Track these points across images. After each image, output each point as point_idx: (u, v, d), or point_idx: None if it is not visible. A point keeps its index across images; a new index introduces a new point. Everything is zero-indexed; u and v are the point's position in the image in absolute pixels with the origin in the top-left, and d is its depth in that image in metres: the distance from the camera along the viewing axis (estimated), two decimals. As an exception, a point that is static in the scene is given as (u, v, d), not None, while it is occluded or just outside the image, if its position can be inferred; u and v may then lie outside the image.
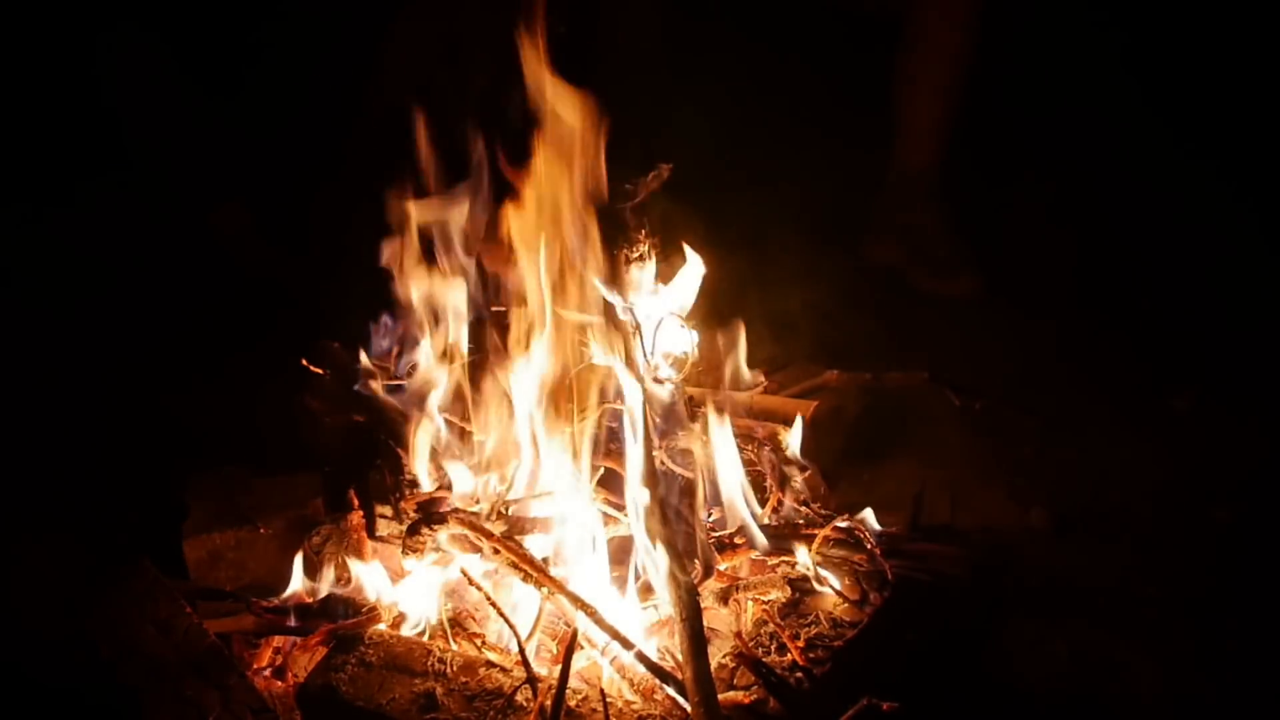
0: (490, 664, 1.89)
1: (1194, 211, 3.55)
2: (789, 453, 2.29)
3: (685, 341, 2.40)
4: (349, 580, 2.12)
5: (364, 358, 2.43)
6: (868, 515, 2.15)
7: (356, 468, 2.41)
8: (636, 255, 2.24)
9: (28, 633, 2.07)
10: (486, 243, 2.20)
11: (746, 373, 2.37)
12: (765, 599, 2.00)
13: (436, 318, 2.34)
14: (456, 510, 2.08)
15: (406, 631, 2.02)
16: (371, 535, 2.26)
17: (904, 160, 3.74)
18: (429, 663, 1.89)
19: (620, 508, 2.05)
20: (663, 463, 2.11)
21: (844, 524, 2.15)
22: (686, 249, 2.32)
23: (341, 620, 2.02)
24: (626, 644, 1.81)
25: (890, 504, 2.42)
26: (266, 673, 2.04)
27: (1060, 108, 3.92)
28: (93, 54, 3.49)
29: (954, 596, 2.09)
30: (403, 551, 2.08)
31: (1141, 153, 3.70)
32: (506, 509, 2.10)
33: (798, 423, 2.32)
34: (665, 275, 2.36)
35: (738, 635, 1.92)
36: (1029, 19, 3.70)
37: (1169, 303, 3.32)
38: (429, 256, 2.28)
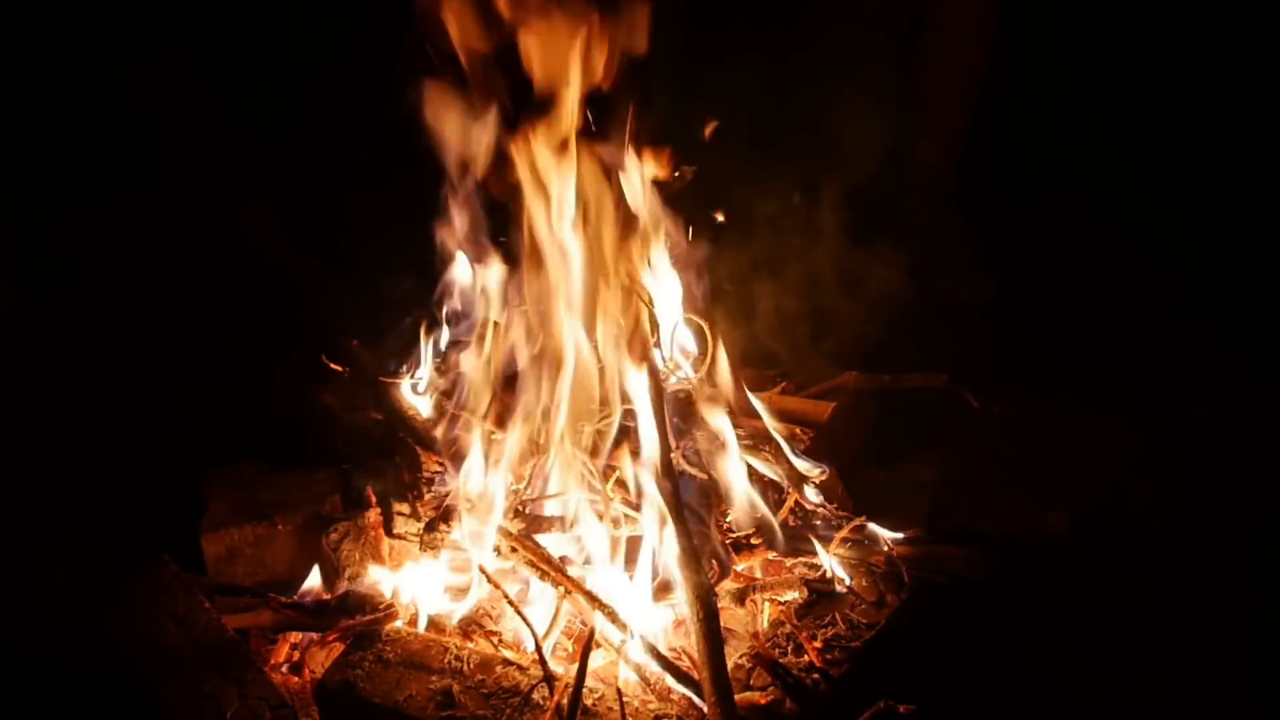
0: (507, 662, 1.89)
1: (1212, 216, 3.53)
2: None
3: (702, 341, 2.41)
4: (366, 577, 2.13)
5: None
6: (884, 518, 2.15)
7: (374, 465, 2.42)
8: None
9: (48, 627, 2.08)
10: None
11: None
12: (782, 600, 2.00)
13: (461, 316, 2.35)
14: (474, 508, 2.09)
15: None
16: (389, 533, 2.26)
17: (923, 162, 3.73)
18: (446, 660, 1.89)
19: (638, 508, 2.05)
20: (680, 463, 2.11)
21: (861, 525, 2.16)
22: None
23: (359, 617, 2.02)
24: (643, 643, 1.82)
25: (908, 506, 2.41)
26: (284, 668, 2.05)
27: (1077, 115, 3.90)
28: (111, 46, 3.50)
29: (971, 599, 2.08)
30: (420, 549, 2.08)
31: (1161, 157, 3.68)
32: (524, 508, 2.10)
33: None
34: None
35: (754, 636, 1.92)
36: (1045, 23, 3.69)
37: (1189, 308, 3.30)
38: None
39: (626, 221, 2.10)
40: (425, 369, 2.47)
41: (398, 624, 2.01)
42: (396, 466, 2.39)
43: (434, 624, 2.03)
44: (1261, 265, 3.34)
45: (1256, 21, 3.75)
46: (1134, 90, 3.80)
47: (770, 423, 2.32)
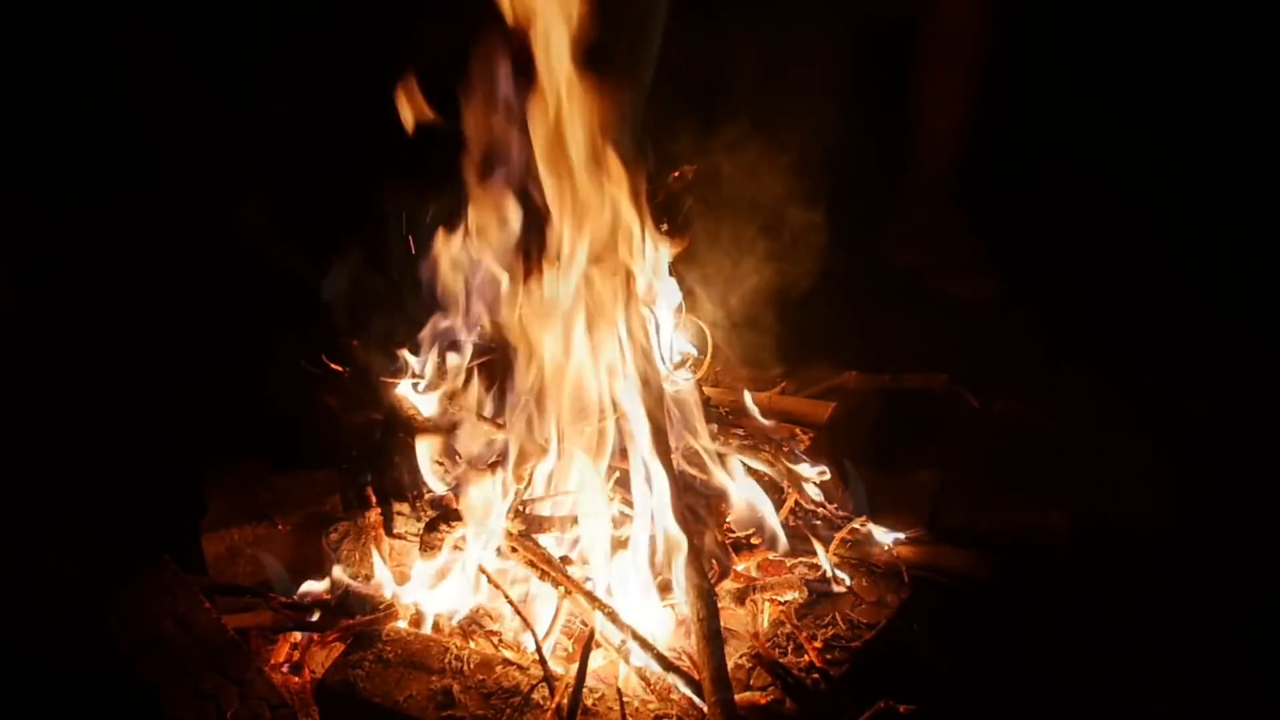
0: (507, 662, 1.89)
1: (1213, 213, 3.53)
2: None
3: (701, 341, 2.41)
4: (367, 577, 2.13)
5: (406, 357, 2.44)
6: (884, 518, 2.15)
7: (375, 465, 2.42)
8: (656, 254, 2.23)
9: (48, 626, 2.08)
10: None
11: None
12: (782, 600, 2.00)
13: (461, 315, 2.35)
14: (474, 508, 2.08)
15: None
16: (389, 533, 2.27)
17: (922, 161, 3.73)
18: (446, 660, 1.90)
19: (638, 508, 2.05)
20: (680, 463, 2.11)
21: (861, 526, 2.16)
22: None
23: (359, 617, 2.02)
24: (643, 643, 1.82)
25: (908, 506, 2.41)
26: (284, 668, 2.05)
27: (1078, 111, 3.90)
28: (107, 44, 3.51)
29: (971, 599, 2.08)
30: (420, 549, 2.08)
31: (1160, 156, 3.68)
32: (525, 508, 2.10)
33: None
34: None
35: (755, 636, 1.92)
36: (1044, 17, 3.68)
37: (1190, 306, 3.30)
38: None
39: (626, 220, 2.09)
40: (426, 369, 2.47)
41: (399, 624, 2.01)
42: (396, 466, 2.39)
43: (434, 624, 2.03)
44: (1267, 262, 3.33)
45: (1261, 12, 3.74)
46: (1137, 83, 3.80)
47: (770, 422, 2.32)
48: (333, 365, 2.56)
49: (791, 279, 3.07)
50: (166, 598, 2.03)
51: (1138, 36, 3.84)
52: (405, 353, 2.42)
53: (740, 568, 2.06)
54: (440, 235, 2.30)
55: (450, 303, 2.39)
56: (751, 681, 1.82)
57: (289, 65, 3.61)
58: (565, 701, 1.74)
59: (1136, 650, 2.08)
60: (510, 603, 1.92)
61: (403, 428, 2.37)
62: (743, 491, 2.12)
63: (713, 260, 2.85)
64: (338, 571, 2.12)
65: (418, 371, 2.44)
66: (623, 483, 2.09)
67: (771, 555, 2.08)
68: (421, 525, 2.17)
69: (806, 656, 1.86)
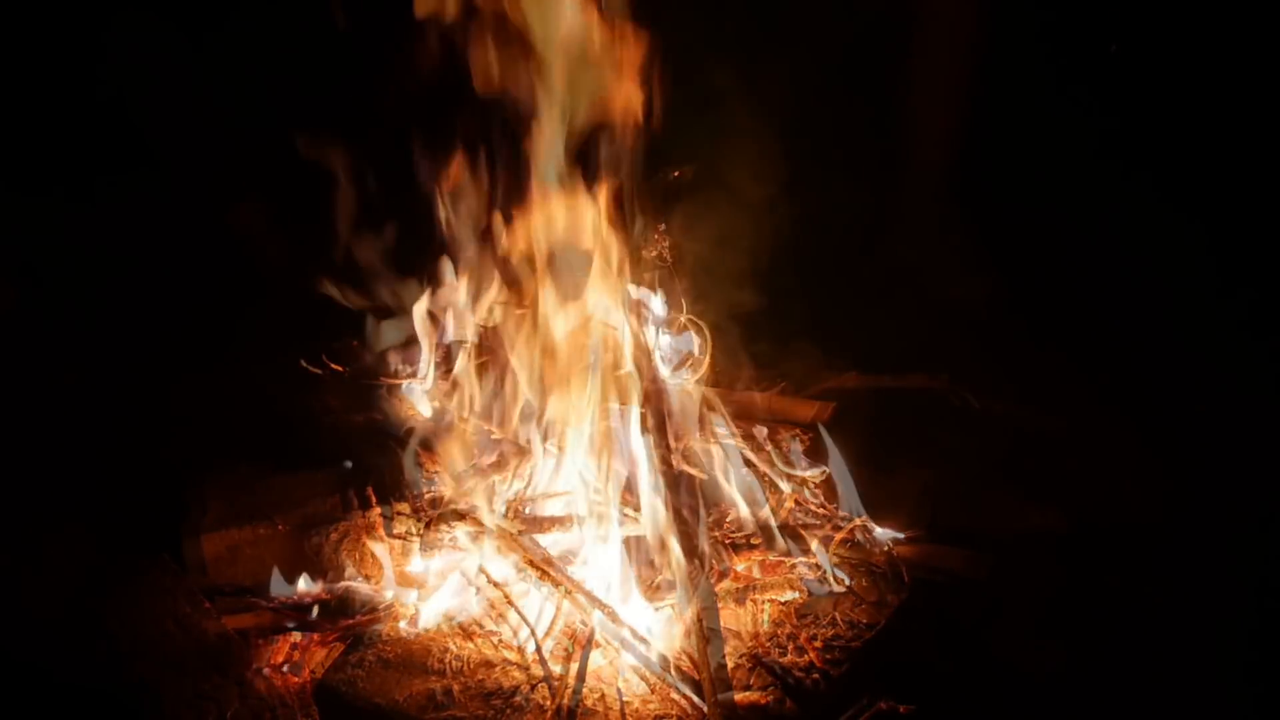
0: (507, 662, 1.89)
1: (1211, 213, 3.53)
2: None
3: (699, 341, 2.41)
4: (367, 576, 2.13)
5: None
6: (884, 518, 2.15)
7: (374, 465, 2.42)
8: (655, 255, 2.24)
9: (49, 627, 2.08)
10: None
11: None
12: (782, 599, 2.00)
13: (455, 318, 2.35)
14: (475, 508, 2.09)
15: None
16: (389, 533, 2.27)
17: (919, 161, 3.74)
18: (445, 660, 1.90)
19: (637, 508, 2.05)
20: (679, 463, 2.11)
21: (862, 526, 2.16)
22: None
23: (359, 617, 2.02)
24: (643, 643, 1.82)
25: (907, 506, 2.41)
26: (284, 668, 2.05)
27: (1074, 111, 3.90)
28: (108, 48, 3.51)
29: (969, 598, 2.08)
30: (420, 549, 2.09)
31: (1158, 153, 3.68)
32: (524, 508, 2.10)
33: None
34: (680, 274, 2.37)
35: (755, 636, 1.92)
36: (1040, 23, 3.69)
37: (1190, 306, 3.30)
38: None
39: (627, 225, 2.10)
40: (426, 370, 2.47)
41: (402, 625, 2.01)
42: (396, 466, 2.39)
43: (434, 624, 2.03)
44: (1260, 263, 3.33)
45: (1251, 22, 3.75)
46: (1129, 84, 3.80)
47: (769, 422, 2.32)
48: (333, 365, 2.56)
49: (789, 279, 3.08)
50: (166, 598, 2.03)
51: (1132, 38, 3.84)
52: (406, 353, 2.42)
53: (740, 568, 2.06)
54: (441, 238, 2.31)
55: (449, 305, 2.40)
56: (751, 681, 1.82)
57: (289, 66, 3.61)
58: (565, 701, 1.75)
59: (1135, 649, 2.08)
60: (510, 603, 1.92)
61: (404, 429, 2.37)
62: (743, 491, 2.12)
63: (711, 262, 2.85)
64: (338, 572, 2.12)
65: (418, 373, 2.44)
66: (622, 483, 2.09)
67: (770, 555, 2.08)
68: (422, 525, 2.17)
69: (806, 656, 1.86)
